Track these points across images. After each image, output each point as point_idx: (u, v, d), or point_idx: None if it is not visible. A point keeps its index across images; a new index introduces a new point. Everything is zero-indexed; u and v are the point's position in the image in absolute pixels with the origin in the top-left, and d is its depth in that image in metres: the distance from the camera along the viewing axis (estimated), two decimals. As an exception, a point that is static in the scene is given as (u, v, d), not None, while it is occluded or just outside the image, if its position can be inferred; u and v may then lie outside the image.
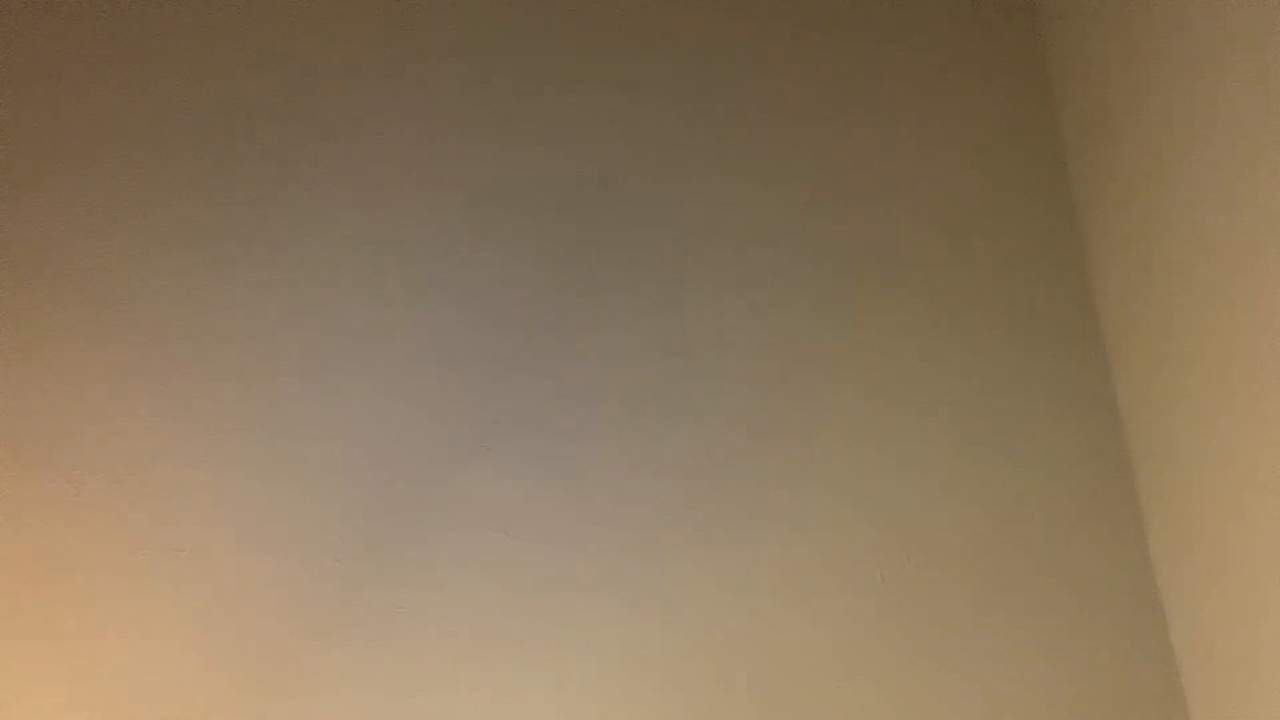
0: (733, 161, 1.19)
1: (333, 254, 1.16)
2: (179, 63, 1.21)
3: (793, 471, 1.09)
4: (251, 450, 1.10)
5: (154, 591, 1.06)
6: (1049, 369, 1.13)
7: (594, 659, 1.04)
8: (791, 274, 1.16)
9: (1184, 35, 0.93)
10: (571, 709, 1.03)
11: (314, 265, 1.15)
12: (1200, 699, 0.99)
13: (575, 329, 1.14)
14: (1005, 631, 1.05)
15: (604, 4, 1.24)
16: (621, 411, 1.11)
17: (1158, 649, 1.04)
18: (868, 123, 1.20)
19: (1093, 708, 1.03)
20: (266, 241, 1.16)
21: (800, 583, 1.06)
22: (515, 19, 1.23)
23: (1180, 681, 1.02)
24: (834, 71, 1.22)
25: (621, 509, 1.08)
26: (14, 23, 1.21)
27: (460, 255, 1.16)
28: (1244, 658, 0.91)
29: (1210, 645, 0.97)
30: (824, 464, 1.10)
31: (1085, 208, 1.16)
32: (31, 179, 1.17)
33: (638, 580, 1.06)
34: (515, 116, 1.21)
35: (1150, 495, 1.06)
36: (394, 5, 1.23)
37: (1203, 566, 0.97)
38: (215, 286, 1.14)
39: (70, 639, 1.04)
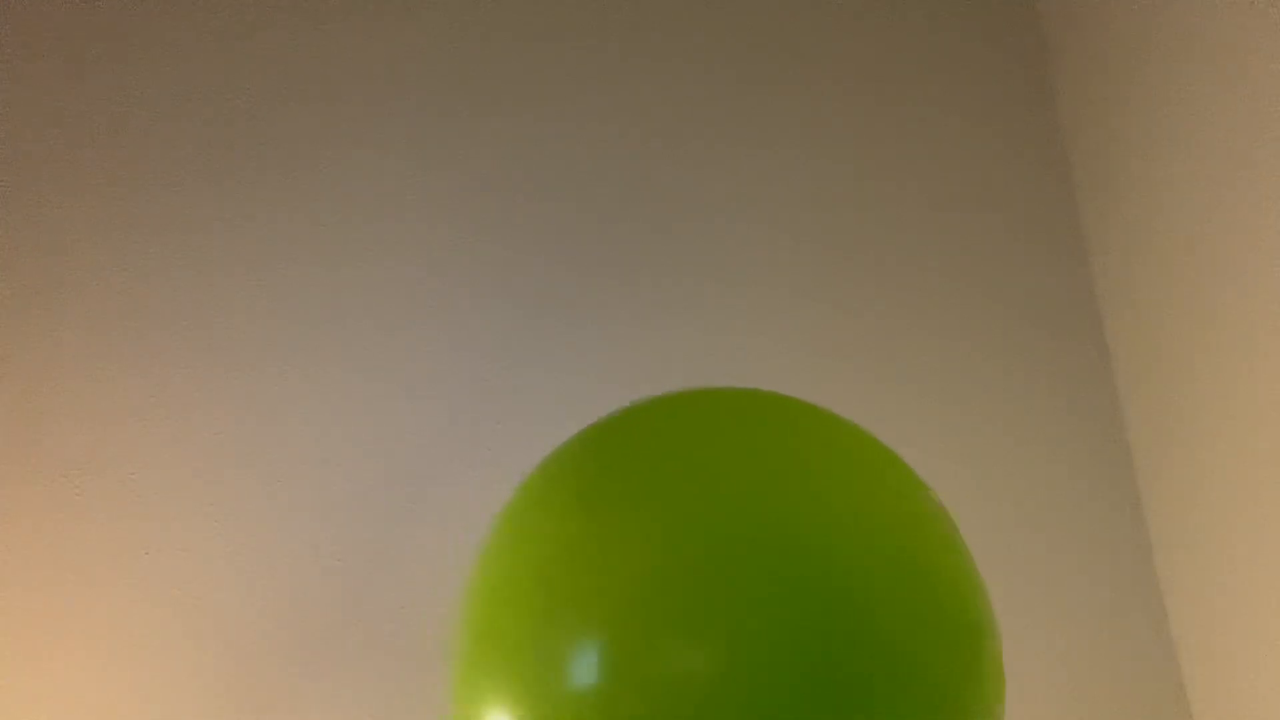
0: (731, 160, 1.19)
1: (333, 250, 1.15)
2: (178, 52, 1.20)
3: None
4: (252, 448, 1.09)
5: (155, 591, 1.05)
6: (1049, 364, 1.13)
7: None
8: (790, 269, 1.16)
9: (1186, 31, 0.93)
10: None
11: (315, 261, 1.15)
12: (1202, 695, 1.00)
13: (583, 324, 1.14)
14: (1003, 628, 1.05)
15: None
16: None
17: (1159, 645, 1.04)
18: (866, 120, 1.20)
19: (1092, 704, 1.03)
20: (266, 236, 1.15)
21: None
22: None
23: (1181, 678, 1.02)
24: (831, 68, 1.22)
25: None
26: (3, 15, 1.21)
27: (464, 248, 1.16)
28: (1246, 654, 0.91)
29: (1212, 642, 0.97)
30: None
31: (1086, 203, 1.16)
32: (27, 177, 1.16)
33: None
34: (519, 98, 1.20)
35: (1151, 491, 1.06)
36: None
37: (1205, 562, 0.97)
38: (215, 283, 1.14)
39: (70, 640, 1.04)
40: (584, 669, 0.58)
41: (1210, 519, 0.95)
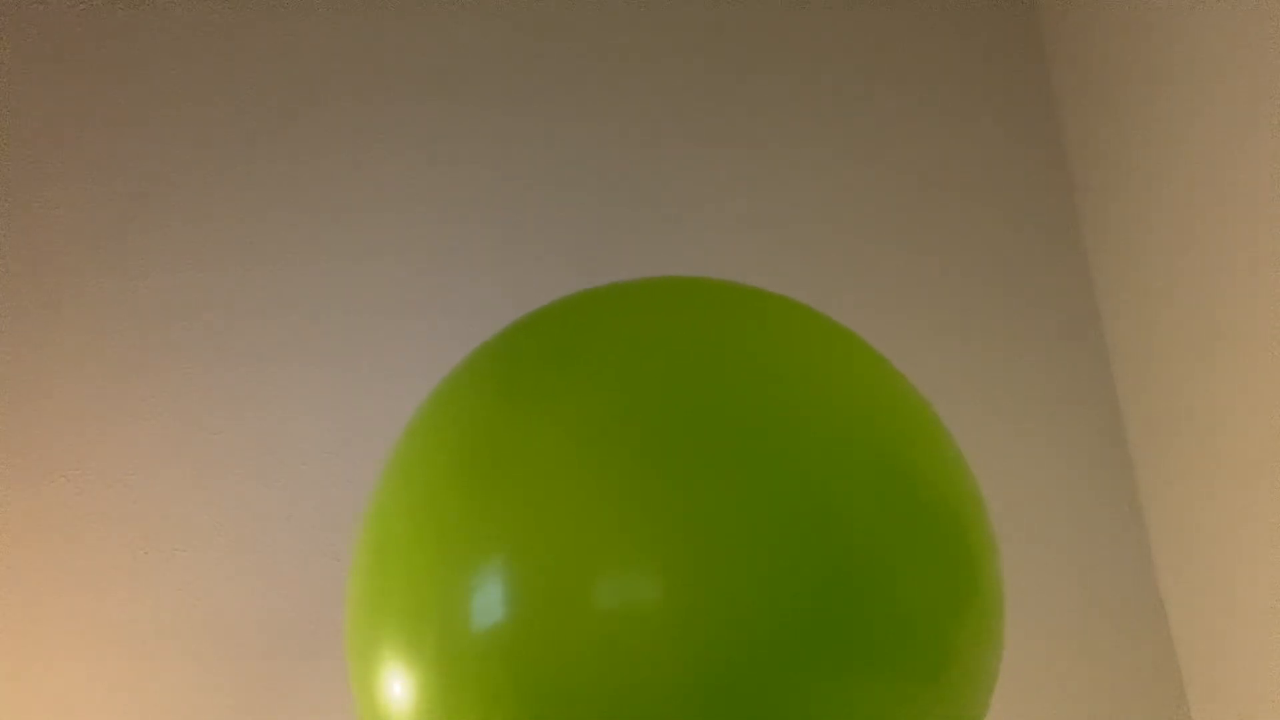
0: (730, 161, 1.19)
1: (333, 248, 1.15)
2: (178, 49, 1.20)
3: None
4: (252, 448, 1.09)
5: (153, 591, 1.05)
6: (1048, 364, 1.13)
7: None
8: (789, 270, 1.16)
9: (1185, 31, 0.93)
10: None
11: (315, 259, 1.15)
12: (1202, 695, 0.99)
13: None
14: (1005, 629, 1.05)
15: None
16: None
17: (1158, 647, 1.04)
18: (865, 120, 1.20)
19: (1091, 704, 1.03)
20: (265, 235, 1.15)
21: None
22: None
23: (1180, 679, 1.02)
24: (830, 68, 1.22)
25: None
26: (5, 14, 1.21)
27: (467, 246, 1.16)
28: (1246, 654, 0.91)
29: (1212, 642, 0.97)
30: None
31: (1086, 203, 1.16)
32: (26, 176, 1.16)
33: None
34: (524, 96, 1.20)
35: (1151, 490, 1.06)
36: None
37: (1204, 562, 0.97)
38: (215, 282, 1.14)
39: (69, 640, 1.04)
40: (498, 599, 0.44)
41: (1210, 518, 0.95)
